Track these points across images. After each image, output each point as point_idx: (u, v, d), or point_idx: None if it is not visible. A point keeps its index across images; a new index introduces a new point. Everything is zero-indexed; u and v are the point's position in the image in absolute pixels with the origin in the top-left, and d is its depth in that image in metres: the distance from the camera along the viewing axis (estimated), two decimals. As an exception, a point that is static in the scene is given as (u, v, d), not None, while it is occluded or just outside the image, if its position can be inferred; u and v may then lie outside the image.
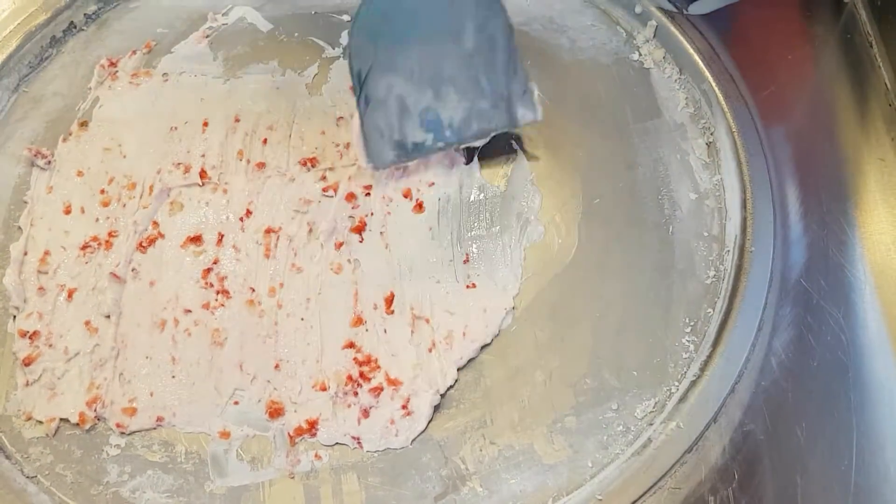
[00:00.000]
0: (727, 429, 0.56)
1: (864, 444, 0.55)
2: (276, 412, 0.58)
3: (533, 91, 0.64)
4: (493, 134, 0.64)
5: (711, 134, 0.69)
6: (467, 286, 0.62)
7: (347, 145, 0.68)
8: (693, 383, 0.58)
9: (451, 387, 0.59)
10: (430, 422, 0.57)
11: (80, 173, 0.67)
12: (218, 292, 0.62)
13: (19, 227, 0.65)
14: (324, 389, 0.58)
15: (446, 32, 0.61)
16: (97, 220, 0.65)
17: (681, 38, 0.73)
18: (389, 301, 0.62)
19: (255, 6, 0.77)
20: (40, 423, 0.57)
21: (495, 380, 0.59)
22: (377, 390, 0.58)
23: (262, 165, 0.68)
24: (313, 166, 0.67)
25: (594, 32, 0.75)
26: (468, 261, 0.63)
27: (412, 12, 0.60)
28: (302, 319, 0.61)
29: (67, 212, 0.65)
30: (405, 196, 0.66)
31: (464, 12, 0.61)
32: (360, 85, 0.60)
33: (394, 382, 0.58)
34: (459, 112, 0.62)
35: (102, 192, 0.66)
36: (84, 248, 0.64)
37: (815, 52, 0.74)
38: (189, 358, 0.60)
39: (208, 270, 0.63)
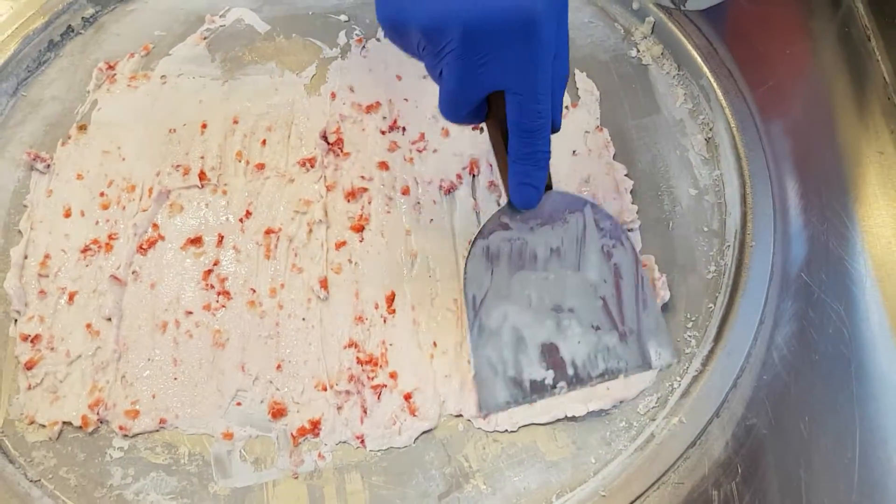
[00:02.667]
0: (730, 423, 0.56)
1: (867, 437, 0.55)
2: (278, 412, 0.58)
3: (666, 330, 0.57)
4: (622, 377, 0.56)
5: (710, 129, 0.69)
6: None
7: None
8: (695, 378, 0.58)
9: (454, 385, 0.59)
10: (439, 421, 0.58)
11: (79, 176, 0.67)
12: (219, 294, 0.62)
13: (19, 231, 0.65)
14: (326, 389, 0.58)
15: (568, 260, 0.56)
16: (97, 222, 0.65)
17: (679, 34, 0.73)
18: (390, 300, 0.62)
19: (253, 7, 0.77)
20: (43, 426, 0.57)
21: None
22: (379, 389, 0.58)
23: (261, 166, 0.68)
24: (312, 167, 0.67)
25: (592, 29, 0.76)
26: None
27: (533, 238, 0.56)
28: (303, 320, 0.61)
29: (67, 215, 0.65)
30: (404, 194, 0.66)
31: (588, 240, 0.56)
32: (474, 312, 0.55)
33: (396, 380, 0.58)
34: (584, 347, 0.55)
35: (102, 194, 0.66)
36: (84, 251, 0.64)
37: (814, 46, 0.74)
38: (191, 359, 0.60)
39: (209, 272, 0.63)
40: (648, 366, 0.55)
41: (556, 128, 0.53)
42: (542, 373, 0.54)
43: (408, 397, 0.58)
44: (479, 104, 0.51)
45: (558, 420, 0.57)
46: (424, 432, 0.57)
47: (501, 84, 0.48)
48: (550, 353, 0.54)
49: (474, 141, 0.68)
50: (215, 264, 0.63)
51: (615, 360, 0.55)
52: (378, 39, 0.75)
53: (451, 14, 0.46)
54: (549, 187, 0.54)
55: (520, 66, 0.47)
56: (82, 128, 0.70)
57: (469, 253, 0.55)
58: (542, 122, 0.50)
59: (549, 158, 0.52)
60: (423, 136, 0.69)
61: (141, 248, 0.64)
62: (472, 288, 0.55)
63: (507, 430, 0.57)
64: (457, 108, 0.51)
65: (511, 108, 0.49)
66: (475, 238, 0.55)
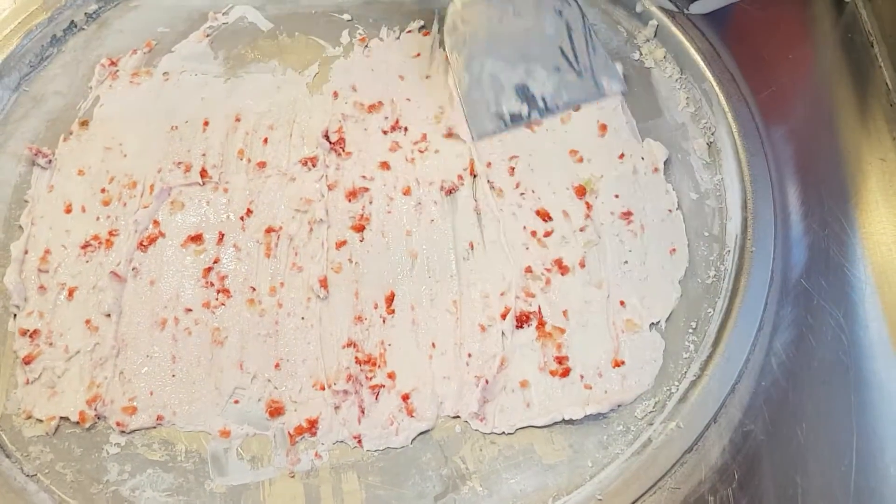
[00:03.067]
0: (727, 429, 0.56)
1: (864, 444, 0.55)
2: (276, 411, 0.58)
3: (613, 64, 0.67)
4: (581, 104, 0.68)
5: (712, 134, 0.69)
6: (468, 286, 0.62)
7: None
8: (693, 383, 0.58)
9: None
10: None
11: (80, 172, 0.67)
12: (218, 291, 0.62)
13: (20, 226, 0.65)
14: (324, 388, 0.58)
15: (529, 20, 0.66)
16: (98, 218, 0.65)
17: (682, 37, 0.73)
18: (390, 300, 0.62)
19: (256, 5, 0.77)
20: (40, 421, 0.57)
21: (495, 379, 0.59)
22: (377, 389, 0.58)
23: (262, 164, 0.68)
24: (314, 166, 0.67)
25: (595, 32, 0.75)
26: (468, 258, 0.63)
27: (497, 6, 0.66)
28: (302, 318, 0.61)
29: (68, 211, 0.65)
30: (405, 194, 0.66)
31: (543, 3, 0.66)
32: (461, 67, 0.66)
33: (394, 380, 0.58)
34: (549, 85, 0.64)
35: (103, 191, 0.66)
36: (85, 246, 0.64)
37: (816, 51, 0.74)
38: (189, 357, 0.60)
39: (209, 269, 0.63)
40: (601, 93, 0.65)
41: None
42: (518, 106, 0.64)
43: (406, 398, 0.58)
44: None
45: (555, 423, 0.57)
46: (422, 433, 0.57)
47: None
48: (524, 91, 0.64)
49: (475, 141, 0.68)
50: (215, 262, 0.63)
51: (575, 92, 0.65)
52: (381, 38, 0.75)
53: None
54: None
55: None
56: (84, 124, 0.70)
57: (445, 24, 0.66)
58: None
59: None
60: (424, 136, 0.69)
61: (141, 244, 0.64)
62: (452, 46, 0.66)
63: (504, 433, 0.57)
64: None
65: None
66: (447, 9, 0.66)
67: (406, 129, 0.69)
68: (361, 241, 0.64)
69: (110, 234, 0.64)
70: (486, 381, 0.58)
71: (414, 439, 0.57)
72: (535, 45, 0.66)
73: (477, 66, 0.65)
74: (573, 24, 0.67)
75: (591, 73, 0.65)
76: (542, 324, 0.60)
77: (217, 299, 0.62)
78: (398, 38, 0.75)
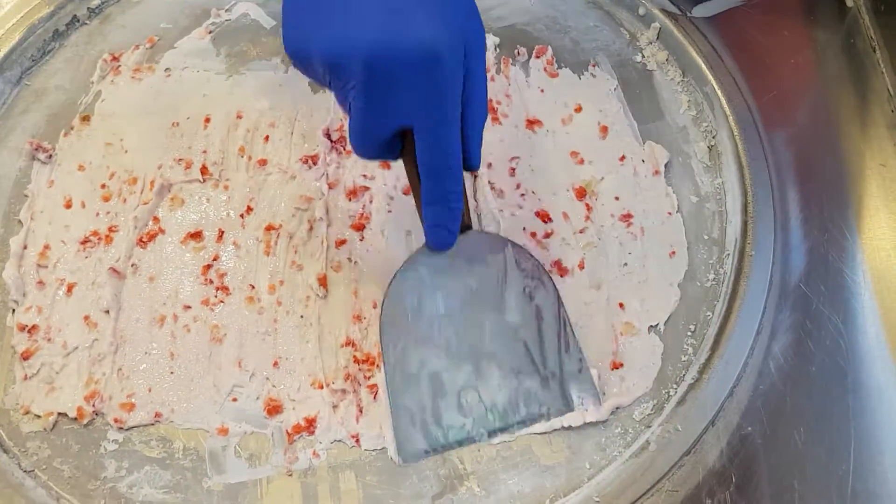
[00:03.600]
0: (725, 432, 0.56)
1: (861, 449, 0.55)
2: (274, 409, 0.58)
3: (591, 372, 0.57)
4: (543, 422, 0.56)
5: (713, 137, 0.69)
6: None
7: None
8: (692, 386, 0.58)
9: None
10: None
11: (81, 167, 0.67)
12: (217, 289, 0.62)
13: (19, 221, 0.65)
14: (322, 387, 0.58)
15: (488, 302, 0.55)
16: (98, 214, 0.65)
17: (684, 40, 0.73)
18: (389, 300, 0.62)
19: (259, 2, 0.77)
20: (38, 417, 0.57)
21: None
22: (375, 388, 0.58)
23: (263, 162, 0.68)
24: (315, 164, 0.67)
25: (597, 33, 0.75)
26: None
27: (451, 281, 0.55)
28: (301, 317, 0.61)
29: (68, 206, 0.65)
30: (405, 193, 0.66)
31: (509, 281, 0.56)
32: (392, 358, 0.55)
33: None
34: (503, 393, 0.55)
35: (103, 186, 0.66)
36: (84, 242, 0.64)
37: (818, 56, 0.74)
38: (188, 354, 0.60)
39: (208, 267, 0.63)
40: (570, 408, 0.55)
41: (471, 166, 0.52)
42: (460, 419, 0.54)
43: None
44: (389, 140, 0.49)
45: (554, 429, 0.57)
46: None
47: (407, 120, 0.48)
48: (469, 400, 0.54)
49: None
50: (215, 259, 0.63)
51: (536, 405, 0.55)
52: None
53: (353, 46, 0.45)
54: (467, 227, 0.54)
55: (424, 102, 0.46)
56: (85, 119, 0.70)
57: (385, 297, 0.54)
58: (452, 161, 0.49)
59: (461, 199, 0.51)
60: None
61: (141, 241, 0.64)
62: (388, 335, 0.54)
63: (505, 441, 0.57)
64: (365, 144, 0.50)
65: (419, 147, 0.48)
66: (391, 282, 0.54)
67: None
68: (361, 240, 0.64)
69: (110, 230, 0.64)
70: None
71: (412, 439, 0.57)
72: (491, 337, 0.55)
73: (415, 361, 0.54)
74: (545, 312, 0.55)
75: (560, 381, 0.55)
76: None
77: (216, 297, 0.62)
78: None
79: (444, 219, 0.51)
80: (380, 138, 0.49)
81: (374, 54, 0.45)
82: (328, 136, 0.68)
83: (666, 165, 0.67)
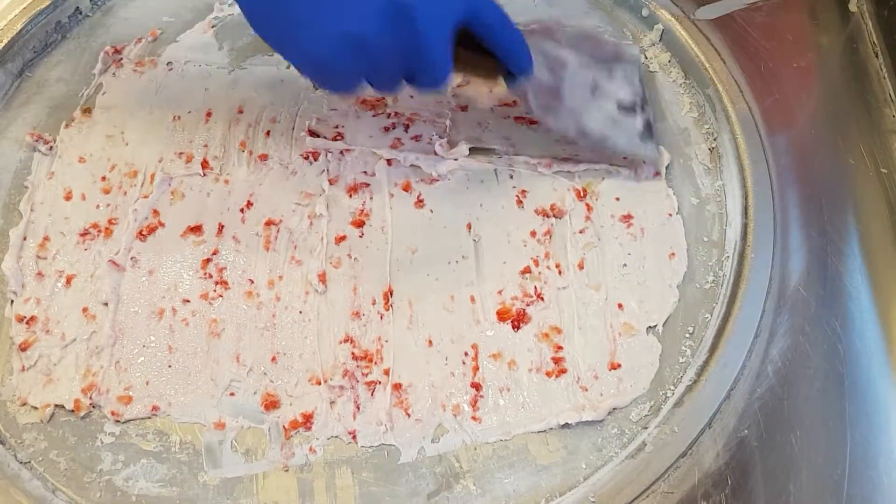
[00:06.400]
0: (721, 434, 0.56)
1: (857, 454, 0.55)
2: (271, 404, 0.58)
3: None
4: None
5: (715, 139, 0.69)
6: (466, 284, 0.62)
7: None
8: (689, 388, 0.58)
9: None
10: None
11: (81, 160, 0.67)
12: (216, 283, 0.62)
13: (19, 212, 0.65)
14: (320, 383, 0.58)
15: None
16: (98, 206, 0.65)
17: (687, 42, 0.73)
18: (387, 296, 0.62)
19: (262, -3, 0.76)
20: (35, 408, 0.57)
21: (491, 379, 0.59)
22: (373, 385, 0.58)
23: (264, 157, 0.67)
24: (315, 160, 0.67)
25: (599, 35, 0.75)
26: (467, 257, 0.63)
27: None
28: (300, 312, 0.61)
29: (68, 198, 0.65)
30: (405, 190, 0.66)
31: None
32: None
33: (389, 376, 0.58)
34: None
35: (104, 179, 0.66)
36: (84, 234, 0.64)
37: (821, 60, 0.74)
38: (186, 348, 0.60)
39: (207, 261, 0.63)
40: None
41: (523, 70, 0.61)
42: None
43: (402, 395, 0.58)
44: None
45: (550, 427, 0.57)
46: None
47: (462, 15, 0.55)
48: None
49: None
50: (214, 253, 0.63)
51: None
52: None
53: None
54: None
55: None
56: (86, 111, 0.70)
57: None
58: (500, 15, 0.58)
59: (515, 28, 0.59)
60: (426, 133, 0.69)
61: (140, 234, 0.64)
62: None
63: (501, 440, 0.57)
64: (444, 59, 0.55)
65: (483, 30, 0.57)
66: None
67: (407, 126, 0.69)
68: (361, 236, 0.64)
69: (110, 222, 0.64)
70: (482, 381, 0.58)
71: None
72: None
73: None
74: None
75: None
76: (539, 325, 0.61)
77: (215, 291, 0.62)
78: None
79: (526, 52, 0.60)
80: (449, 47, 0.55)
81: None
82: (313, 133, 0.68)
83: (667, 167, 0.67)
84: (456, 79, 0.63)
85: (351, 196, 0.66)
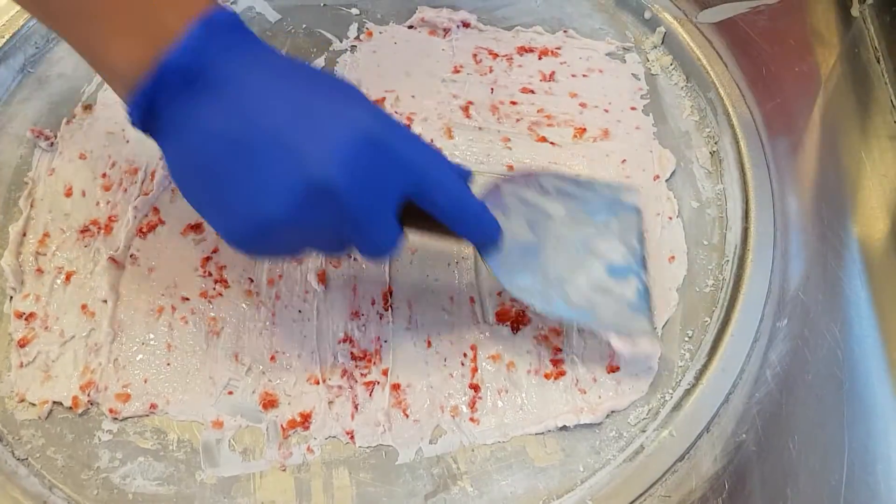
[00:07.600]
0: (719, 439, 0.56)
1: (855, 459, 0.55)
2: (269, 404, 0.58)
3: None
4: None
5: (716, 143, 0.69)
6: (466, 285, 0.62)
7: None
8: (687, 392, 0.58)
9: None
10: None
11: (82, 156, 0.67)
12: (216, 281, 0.62)
13: (19, 208, 0.65)
14: (318, 383, 0.58)
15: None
16: (98, 203, 0.65)
17: (689, 45, 0.73)
18: (386, 297, 0.62)
19: (264, -5, 0.77)
20: (33, 405, 0.57)
21: (490, 380, 0.59)
22: (371, 385, 0.58)
23: (265, 156, 0.67)
24: (316, 159, 0.67)
25: (602, 36, 0.75)
26: (467, 257, 0.63)
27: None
28: (299, 312, 0.61)
29: (68, 194, 0.65)
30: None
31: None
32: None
33: (388, 377, 0.59)
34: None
35: (104, 175, 0.66)
36: (84, 231, 0.64)
37: (823, 65, 0.74)
38: (185, 346, 0.60)
39: (207, 259, 0.63)
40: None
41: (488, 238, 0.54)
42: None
43: (400, 395, 0.58)
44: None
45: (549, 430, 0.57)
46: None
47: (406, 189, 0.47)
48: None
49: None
50: (214, 252, 0.63)
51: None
52: (388, 34, 0.75)
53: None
54: None
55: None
56: (88, 107, 0.70)
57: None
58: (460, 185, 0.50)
59: (477, 201, 0.52)
60: (426, 133, 0.69)
61: (141, 231, 0.64)
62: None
63: (499, 441, 0.57)
64: (385, 233, 0.48)
65: (429, 206, 0.49)
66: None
67: (408, 126, 0.69)
68: (361, 236, 0.64)
69: (110, 219, 0.64)
70: (481, 382, 0.58)
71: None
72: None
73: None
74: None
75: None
76: (538, 327, 0.60)
77: (215, 289, 0.62)
78: (406, 34, 0.75)
79: (487, 224, 0.53)
80: (392, 219, 0.48)
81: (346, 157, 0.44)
82: None
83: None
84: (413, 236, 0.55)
85: (351, 196, 0.66)
